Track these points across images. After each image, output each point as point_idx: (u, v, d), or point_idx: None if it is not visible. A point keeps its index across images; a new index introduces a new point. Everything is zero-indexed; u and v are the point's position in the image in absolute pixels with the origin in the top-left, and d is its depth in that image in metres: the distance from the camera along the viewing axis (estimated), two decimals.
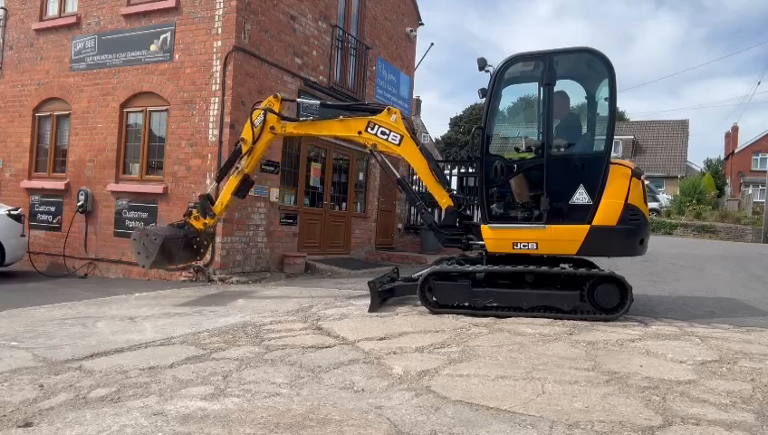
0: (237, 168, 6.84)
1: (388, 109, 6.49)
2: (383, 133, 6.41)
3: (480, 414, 2.95)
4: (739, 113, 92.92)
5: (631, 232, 5.70)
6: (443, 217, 6.47)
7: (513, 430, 2.74)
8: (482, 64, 6.01)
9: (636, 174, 5.80)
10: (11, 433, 2.68)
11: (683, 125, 44.16)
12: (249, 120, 6.77)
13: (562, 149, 6.03)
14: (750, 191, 37.41)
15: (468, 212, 7.25)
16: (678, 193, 31.87)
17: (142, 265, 6.61)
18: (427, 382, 3.48)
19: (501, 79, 6.02)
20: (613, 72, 5.77)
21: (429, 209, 6.91)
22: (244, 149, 6.76)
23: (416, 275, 6.56)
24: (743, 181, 41.87)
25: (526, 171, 5.99)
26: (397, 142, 6.37)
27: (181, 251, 6.80)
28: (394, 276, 7.04)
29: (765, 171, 35.30)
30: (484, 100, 6.10)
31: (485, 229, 6.01)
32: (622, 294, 5.58)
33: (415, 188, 16.03)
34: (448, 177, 12.25)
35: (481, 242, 6.13)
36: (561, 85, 6.09)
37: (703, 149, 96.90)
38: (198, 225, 6.84)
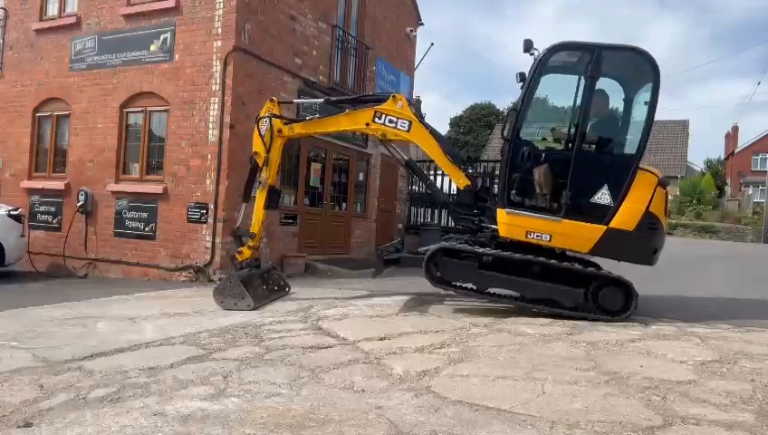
0: (260, 182, 6.77)
1: (393, 96, 6.42)
2: (391, 122, 6.34)
3: (480, 414, 2.95)
4: (739, 113, 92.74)
5: (647, 240, 5.62)
6: (460, 196, 6.37)
7: (513, 430, 2.74)
8: (527, 46, 5.79)
9: (662, 184, 5.74)
10: (11, 433, 2.68)
11: (683, 125, 44.10)
12: (256, 132, 6.68)
13: (593, 146, 5.88)
14: (750, 191, 37.46)
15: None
16: (679, 193, 31.91)
17: (247, 305, 6.08)
18: (427, 383, 3.48)
19: (544, 65, 5.82)
20: (659, 77, 5.63)
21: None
22: (260, 162, 6.70)
23: (422, 249, 6.47)
24: (743, 181, 41.81)
25: (553, 162, 5.84)
26: (406, 129, 6.32)
27: (264, 286, 6.90)
28: (399, 247, 7.02)
29: (765, 171, 35.37)
30: (521, 84, 5.94)
31: (501, 213, 5.87)
32: (626, 299, 5.55)
33: (414, 188, 15.90)
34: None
35: (493, 226, 6.01)
36: (600, 83, 5.92)
37: (703, 149, 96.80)
38: (247, 253, 6.72)
